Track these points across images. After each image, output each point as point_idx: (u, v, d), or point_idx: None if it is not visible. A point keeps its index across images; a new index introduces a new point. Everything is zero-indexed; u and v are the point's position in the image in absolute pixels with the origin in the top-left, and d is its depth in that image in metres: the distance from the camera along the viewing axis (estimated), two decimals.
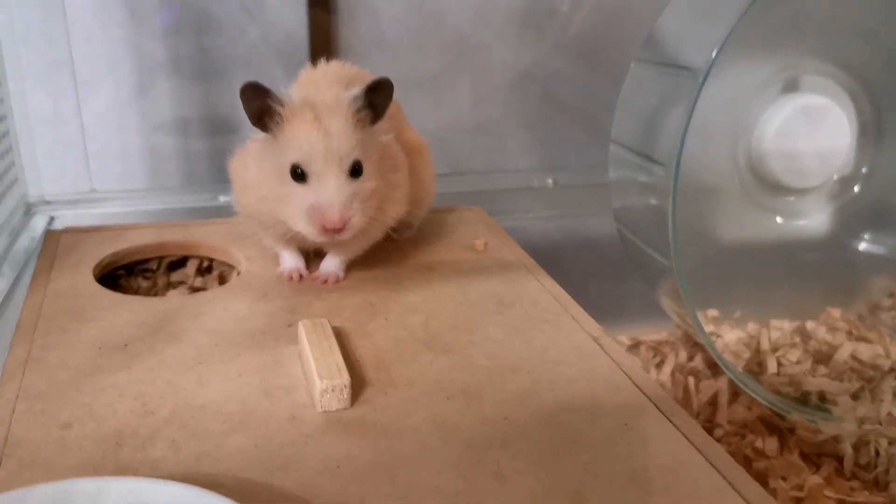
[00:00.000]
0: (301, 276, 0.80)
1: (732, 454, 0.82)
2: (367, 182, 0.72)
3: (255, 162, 0.74)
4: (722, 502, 0.51)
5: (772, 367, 0.93)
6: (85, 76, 1.10)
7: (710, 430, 0.88)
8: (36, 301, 0.74)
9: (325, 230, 0.69)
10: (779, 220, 1.06)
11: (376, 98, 0.73)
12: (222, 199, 1.09)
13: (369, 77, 0.79)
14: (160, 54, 1.19)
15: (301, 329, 0.66)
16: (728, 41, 0.78)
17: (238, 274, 0.85)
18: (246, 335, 0.69)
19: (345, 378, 0.59)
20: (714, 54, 0.76)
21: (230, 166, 0.79)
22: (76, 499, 0.45)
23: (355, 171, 0.71)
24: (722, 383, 0.91)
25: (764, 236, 1.06)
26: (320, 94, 0.73)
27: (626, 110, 0.95)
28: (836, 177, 1.06)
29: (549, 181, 1.28)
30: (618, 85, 0.96)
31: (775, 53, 1.02)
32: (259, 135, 0.73)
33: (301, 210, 0.70)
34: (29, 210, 1.02)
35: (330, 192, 0.69)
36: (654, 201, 0.91)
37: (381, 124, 0.76)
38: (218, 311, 0.73)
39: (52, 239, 0.87)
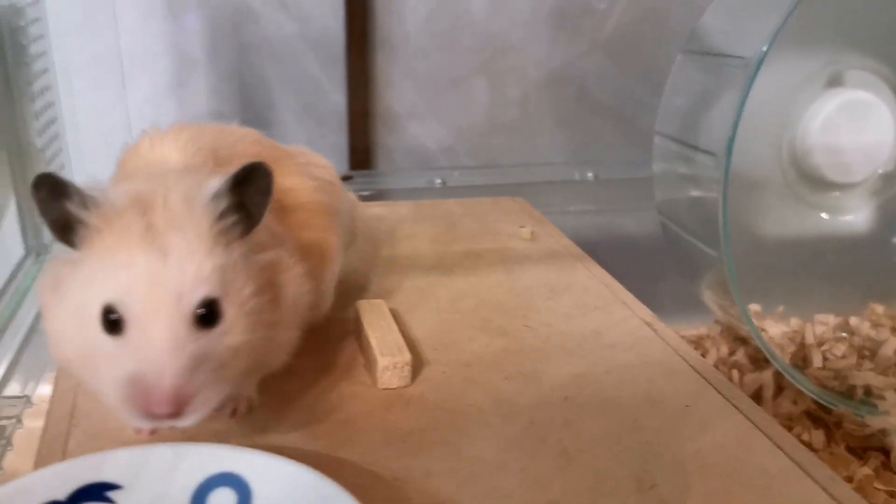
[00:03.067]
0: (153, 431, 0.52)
1: None
2: (228, 334, 0.46)
3: (57, 296, 0.48)
4: (791, 484, 0.51)
5: (817, 361, 0.92)
6: (127, 69, 1.11)
7: None
8: None
9: (151, 414, 0.43)
10: (822, 215, 1.05)
11: (250, 194, 0.48)
12: None
13: (251, 150, 0.61)
14: (197, 49, 1.20)
15: (359, 309, 0.66)
16: (776, 34, 0.78)
17: None
18: None
19: (405, 356, 0.59)
20: (770, 42, 0.76)
21: (38, 291, 0.52)
22: (154, 463, 0.45)
23: (207, 317, 0.45)
24: (766, 377, 0.91)
25: (806, 232, 1.06)
26: (159, 187, 0.48)
27: (672, 102, 0.95)
28: (879, 172, 1.05)
29: (590, 174, 1.27)
30: (653, 84, 0.96)
31: (820, 48, 1.02)
32: (68, 251, 0.47)
33: (114, 380, 0.44)
34: None
35: (157, 352, 0.43)
36: (700, 192, 0.91)
37: (259, 233, 0.50)
38: None
39: None
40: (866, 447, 0.85)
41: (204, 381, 0.44)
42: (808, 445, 0.83)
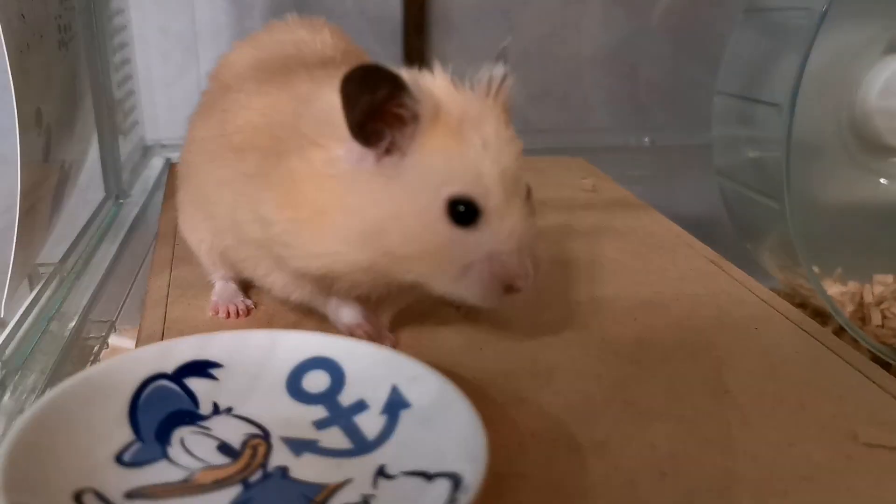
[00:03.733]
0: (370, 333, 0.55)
1: None
2: (535, 215, 0.50)
3: (355, 195, 0.46)
4: (864, 395, 0.52)
5: (876, 318, 0.92)
6: (198, 40, 1.15)
7: None
8: (171, 216, 0.77)
9: (511, 288, 0.47)
10: (882, 181, 1.05)
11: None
12: None
13: (350, 48, 0.64)
14: (259, 25, 1.23)
15: None
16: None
17: None
18: None
19: None
20: None
21: (262, 193, 0.49)
22: (252, 345, 0.47)
23: (527, 194, 0.49)
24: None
25: (865, 197, 1.05)
26: (438, 79, 0.48)
27: (735, 61, 0.95)
28: None
29: (646, 140, 1.28)
30: (707, 64, 0.97)
31: (879, 14, 1.02)
32: (345, 148, 0.46)
33: (467, 265, 0.46)
34: (147, 152, 1.06)
35: (519, 235, 0.46)
36: (761, 151, 0.92)
37: None
38: None
39: (171, 170, 0.91)
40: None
41: (540, 258, 0.49)
42: None
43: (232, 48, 0.65)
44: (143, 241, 0.76)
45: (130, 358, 0.45)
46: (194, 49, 1.12)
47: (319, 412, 0.45)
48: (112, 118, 0.88)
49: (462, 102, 0.46)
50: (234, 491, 0.39)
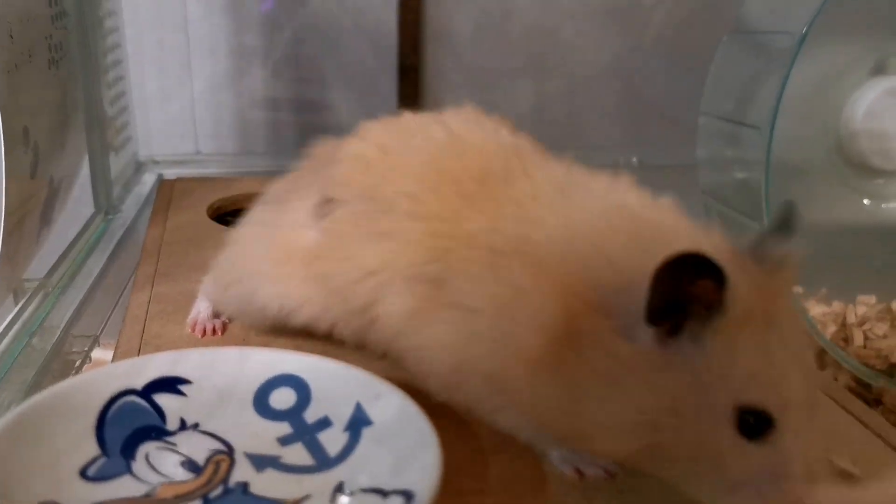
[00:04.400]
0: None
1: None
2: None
3: (632, 376, 0.40)
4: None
5: (858, 339, 0.93)
6: (192, 56, 1.16)
7: None
8: (157, 232, 0.79)
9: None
10: (865, 202, 1.06)
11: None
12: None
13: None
14: (256, 40, 1.25)
15: None
16: (819, 20, 0.80)
17: None
18: None
19: None
20: (815, 14, 0.78)
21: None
22: (222, 363, 0.48)
23: None
24: None
25: (851, 218, 1.06)
26: (745, 264, 0.40)
27: (719, 81, 0.97)
28: None
29: (634, 160, 1.29)
30: (701, 81, 0.98)
31: (865, 35, 1.03)
32: (639, 332, 0.40)
33: (744, 482, 0.39)
34: (139, 168, 1.08)
35: (809, 457, 0.39)
36: (745, 171, 0.93)
37: None
38: None
39: (167, 186, 0.92)
40: None
41: None
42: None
43: (360, 141, 0.54)
44: (132, 256, 0.78)
45: (100, 373, 0.46)
46: (188, 65, 1.14)
47: (284, 428, 0.46)
48: (103, 135, 0.89)
49: (764, 289, 0.39)
50: None
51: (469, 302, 0.44)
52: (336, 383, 0.47)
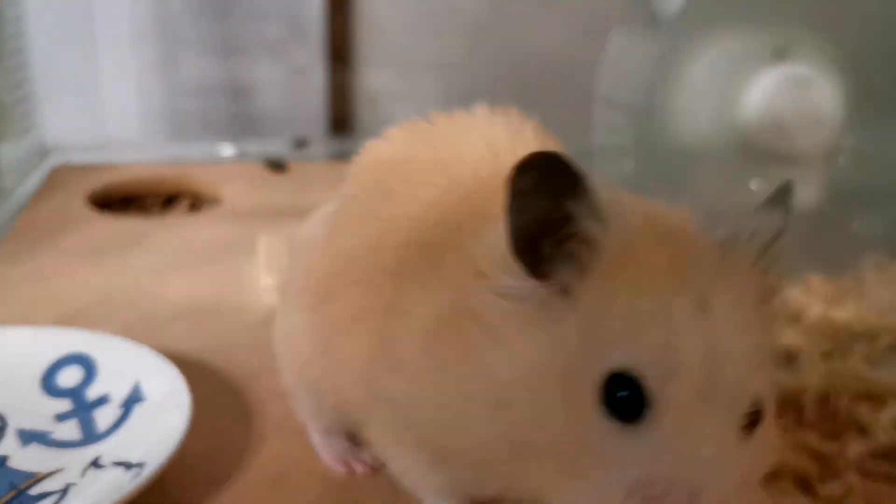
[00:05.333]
0: None
1: None
2: (763, 448, 0.31)
3: (478, 338, 0.32)
4: None
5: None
6: (108, 41, 1.17)
7: None
8: (27, 218, 0.80)
9: None
10: (764, 188, 1.07)
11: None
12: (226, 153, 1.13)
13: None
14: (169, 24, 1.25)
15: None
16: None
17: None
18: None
19: None
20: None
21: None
22: (12, 341, 0.50)
23: (754, 412, 0.30)
24: None
25: (748, 204, 1.07)
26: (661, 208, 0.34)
27: (612, 68, 0.98)
28: (822, 149, 1.07)
29: None
30: None
31: (765, 23, 1.04)
32: (513, 278, 0.31)
33: (615, 486, 0.29)
34: (44, 155, 1.09)
35: (708, 461, 0.29)
36: (631, 158, 0.94)
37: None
38: (189, 230, 0.79)
39: (58, 173, 0.93)
40: (781, 406, 0.86)
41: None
42: None
43: (395, 137, 0.47)
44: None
45: None
46: (94, 51, 1.14)
47: (65, 405, 0.48)
48: None
49: (687, 247, 0.31)
50: None
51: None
52: (122, 362, 0.49)
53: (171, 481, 0.42)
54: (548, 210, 0.30)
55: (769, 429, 0.31)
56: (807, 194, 1.09)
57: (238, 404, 0.51)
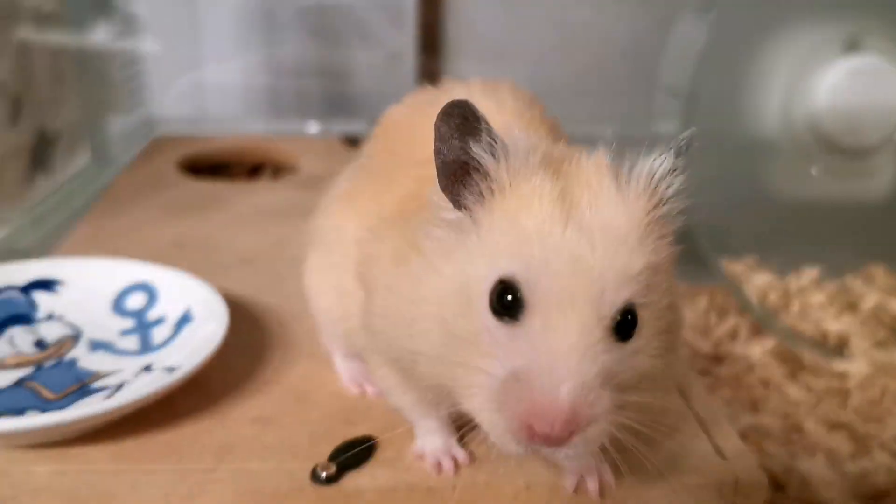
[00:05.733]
0: (457, 464, 0.45)
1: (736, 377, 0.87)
2: (639, 354, 0.36)
3: (417, 260, 0.38)
4: None
5: (795, 307, 0.95)
6: (212, 25, 1.27)
7: (721, 359, 0.93)
8: (126, 179, 0.90)
9: (533, 434, 0.33)
10: (834, 179, 1.07)
11: (682, 171, 0.37)
12: (311, 130, 1.22)
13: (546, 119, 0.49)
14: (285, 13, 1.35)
15: None
16: None
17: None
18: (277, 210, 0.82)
19: None
20: None
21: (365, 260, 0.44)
22: (94, 269, 0.59)
23: (622, 326, 0.35)
24: (742, 321, 0.95)
25: (818, 195, 1.07)
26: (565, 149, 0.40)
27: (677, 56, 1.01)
28: (893, 138, 1.06)
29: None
30: None
31: (837, 15, 1.04)
32: (444, 209, 0.38)
33: (490, 376, 0.34)
34: (150, 128, 1.20)
35: (563, 353, 0.33)
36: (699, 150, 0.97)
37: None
38: (261, 194, 0.87)
39: (155, 142, 1.04)
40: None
41: (601, 406, 0.33)
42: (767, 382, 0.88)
43: (408, 103, 0.54)
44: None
45: None
46: (199, 33, 1.25)
47: (129, 324, 0.56)
48: (103, 96, 1.02)
49: (571, 170, 0.37)
50: (28, 370, 0.50)
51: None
52: (179, 291, 0.57)
53: (214, 387, 0.51)
54: (458, 148, 0.36)
55: (650, 339, 0.36)
56: (875, 186, 1.08)
57: (278, 336, 0.58)
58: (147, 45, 1.20)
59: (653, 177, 0.37)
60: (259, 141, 1.06)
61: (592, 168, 0.37)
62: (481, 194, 0.37)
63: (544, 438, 0.33)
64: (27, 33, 0.85)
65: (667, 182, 0.37)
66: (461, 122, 0.36)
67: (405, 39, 1.44)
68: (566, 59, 1.46)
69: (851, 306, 0.96)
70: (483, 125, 0.36)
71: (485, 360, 0.35)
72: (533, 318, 0.34)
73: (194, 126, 1.17)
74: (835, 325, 0.92)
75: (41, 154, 0.91)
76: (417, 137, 0.47)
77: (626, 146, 0.39)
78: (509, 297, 0.34)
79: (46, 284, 0.57)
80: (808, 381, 0.87)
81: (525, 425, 0.33)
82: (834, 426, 0.81)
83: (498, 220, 0.36)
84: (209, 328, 0.51)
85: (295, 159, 1.00)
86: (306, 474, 0.44)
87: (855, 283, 1.00)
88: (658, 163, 0.37)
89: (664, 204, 0.37)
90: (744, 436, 0.79)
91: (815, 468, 0.75)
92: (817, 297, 0.96)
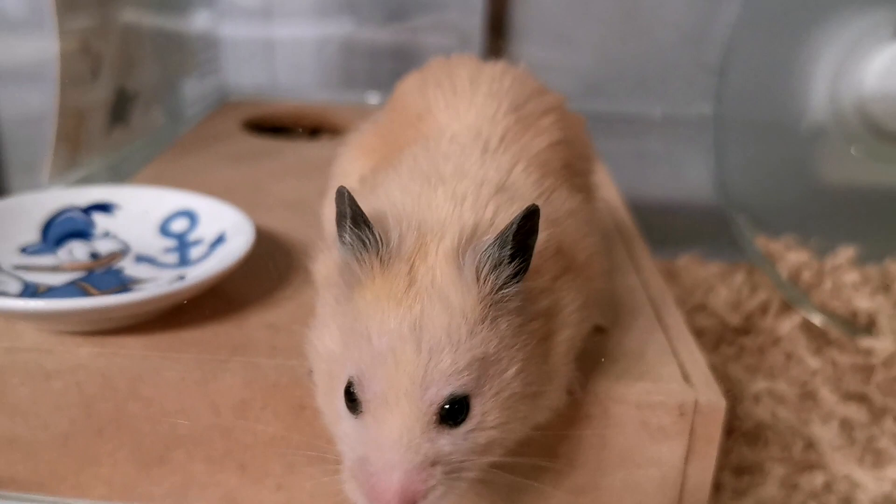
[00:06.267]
0: None
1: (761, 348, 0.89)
2: (476, 432, 0.39)
3: (323, 318, 0.44)
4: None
5: (827, 285, 0.96)
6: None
7: (747, 332, 0.95)
8: (192, 134, 0.99)
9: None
10: (881, 165, 1.07)
11: (522, 241, 0.39)
12: (372, 101, 1.29)
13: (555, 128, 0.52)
14: None
15: None
16: None
17: None
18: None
19: None
20: None
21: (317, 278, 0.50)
22: (146, 196, 0.66)
23: (452, 413, 0.38)
24: (774, 295, 0.97)
25: (863, 179, 1.08)
26: (442, 215, 0.42)
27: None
28: None
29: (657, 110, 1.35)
30: None
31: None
32: (344, 272, 0.42)
33: (347, 458, 0.40)
34: (222, 93, 1.29)
35: (388, 448, 0.38)
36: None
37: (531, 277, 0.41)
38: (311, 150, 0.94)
39: (224, 105, 1.12)
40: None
41: (439, 480, 0.38)
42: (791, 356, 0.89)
43: (414, 73, 0.60)
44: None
45: (60, 192, 0.65)
46: (275, 9, 1.33)
47: (171, 243, 0.63)
48: (178, 60, 1.11)
49: (429, 268, 0.39)
50: (80, 274, 0.58)
51: None
52: (217, 217, 0.63)
53: (238, 298, 0.58)
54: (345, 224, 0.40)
55: (489, 415, 0.39)
56: None
57: (303, 265, 0.64)
58: (224, 22, 1.29)
59: (483, 267, 0.39)
60: (316, 107, 1.13)
61: (441, 259, 0.39)
62: (359, 279, 0.40)
63: None
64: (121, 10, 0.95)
65: (496, 273, 0.39)
66: (338, 213, 0.40)
67: (474, 22, 1.49)
68: (629, 44, 1.49)
69: (886, 288, 0.96)
70: (349, 223, 0.39)
71: (343, 439, 0.40)
72: (367, 416, 0.38)
73: (264, 95, 1.25)
74: (865, 303, 0.93)
75: (120, 109, 1.00)
76: (417, 100, 0.54)
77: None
78: (352, 391, 0.39)
79: (104, 207, 0.65)
80: (832, 356, 0.89)
81: (373, 498, 0.38)
82: (851, 397, 0.82)
83: (358, 313, 0.39)
84: (237, 244, 0.58)
85: (350, 123, 1.06)
86: (304, 371, 0.50)
87: (893, 266, 1.00)
88: (486, 255, 0.38)
89: (497, 291, 0.39)
90: (756, 398, 0.82)
91: (824, 432, 0.77)
92: (851, 277, 0.96)
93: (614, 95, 1.44)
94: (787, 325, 0.94)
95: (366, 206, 0.40)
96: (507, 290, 0.39)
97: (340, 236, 0.40)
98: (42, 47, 0.83)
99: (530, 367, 0.40)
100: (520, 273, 0.39)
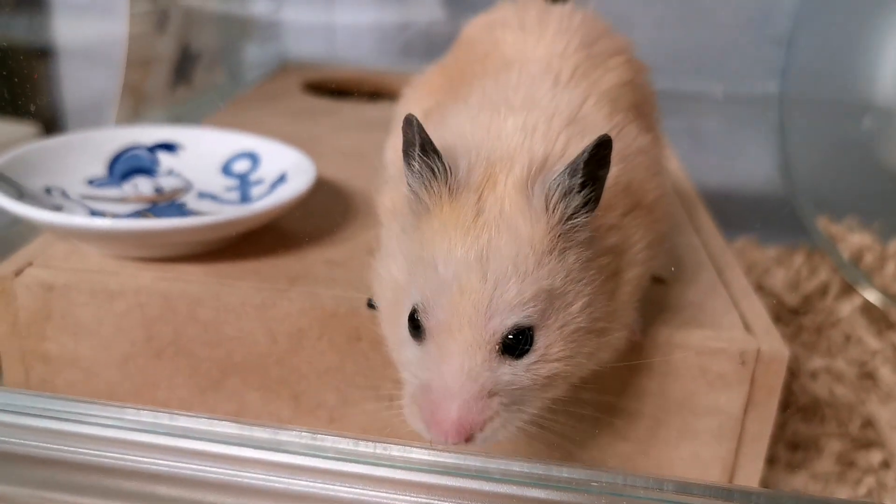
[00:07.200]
0: None
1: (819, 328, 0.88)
2: (538, 364, 0.39)
3: (387, 236, 0.45)
4: None
5: (889, 268, 0.94)
6: None
7: (806, 313, 0.93)
8: (254, 92, 1.00)
9: (438, 431, 0.38)
10: None
11: (593, 172, 0.38)
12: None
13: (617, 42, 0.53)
14: None
15: None
16: None
17: None
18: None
19: None
20: None
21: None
22: (209, 138, 0.67)
23: (517, 342, 0.38)
24: (834, 277, 0.95)
25: None
26: (513, 145, 0.41)
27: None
28: None
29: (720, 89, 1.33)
30: None
31: None
32: (411, 201, 0.42)
33: (410, 384, 0.40)
34: (283, 62, 1.30)
35: (449, 377, 0.37)
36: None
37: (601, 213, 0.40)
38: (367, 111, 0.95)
39: (286, 67, 1.13)
40: None
41: (497, 412, 0.38)
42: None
43: (480, 16, 0.60)
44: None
45: (127, 129, 0.66)
46: None
47: (233, 183, 0.64)
48: (244, 27, 1.12)
49: (497, 198, 0.39)
50: (144, 206, 0.59)
51: None
52: (279, 159, 0.64)
53: (299, 235, 0.58)
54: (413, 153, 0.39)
55: (552, 348, 0.38)
56: None
57: (362, 210, 0.65)
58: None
59: (553, 196, 0.38)
60: (375, 73, 1.13)
61: (510, 189, 0.39)
62: (427, 208, 0.39)
63: (447, 437, 0.37)
64: None
65: (566, 202, 0.38)
66: (406, 141, 0.39)
67: None
68: (689, 21, 1.46)
69: None
70: (418, 151, 0.38)
71: (406, 365, 0.40)
72: (430, 343, 0.38)
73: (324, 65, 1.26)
74: None
75: (184, 68, 1.01)
76: (485, 38, 0.54)
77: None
78: (416, 320, 0.39)
79: (169, 146, 0.66)
80: (893, 339, 0.86)
81: (436, 426, 0.37)
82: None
83: (425, 242, 0.39)
84: (298, 182, 0.58)
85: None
86: (362, 303, 0.50)
87: None
88: (556, 183, 0.38)
89: (566, 222, 0.38)
90: (813, 375, 0.80)
91: (883, 411, 0.75)
92: None
93: (674, 74, 1.41)
94: (847, 307, 0.91)
95: (434, 136, 0.39)
96: (576, 220, 0.38)
97: (409, 165, 0.39)
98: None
99: (597, 302, 0.39)
100: (589, 203, 0.38)
